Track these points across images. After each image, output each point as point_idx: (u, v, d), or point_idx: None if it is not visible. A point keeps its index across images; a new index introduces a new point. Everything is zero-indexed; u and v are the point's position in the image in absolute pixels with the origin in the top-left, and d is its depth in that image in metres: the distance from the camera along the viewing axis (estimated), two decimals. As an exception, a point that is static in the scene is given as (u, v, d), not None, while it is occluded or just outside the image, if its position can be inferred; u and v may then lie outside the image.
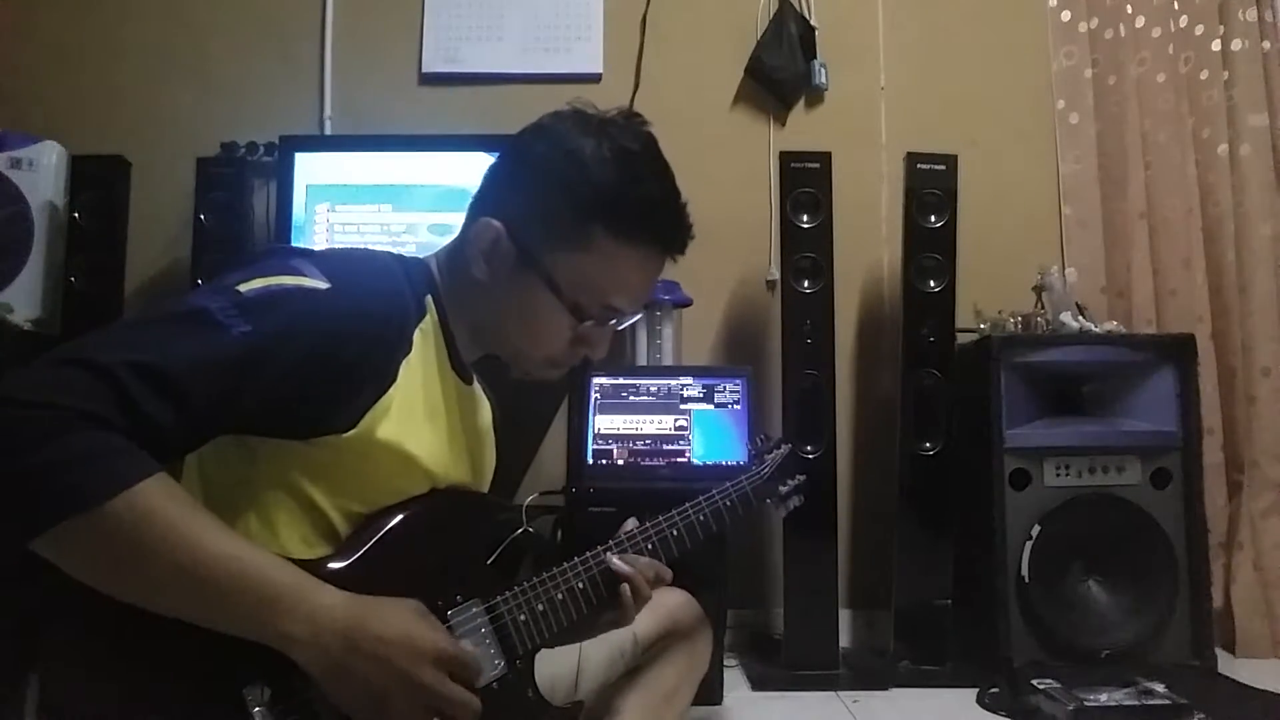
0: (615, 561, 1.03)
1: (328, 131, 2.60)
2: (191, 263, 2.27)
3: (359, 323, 0.86)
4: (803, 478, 1.31)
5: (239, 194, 2.32)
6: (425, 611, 0.85)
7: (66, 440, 0.69)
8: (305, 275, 0.85)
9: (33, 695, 0.77)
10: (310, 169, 2.32)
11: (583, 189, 0.94)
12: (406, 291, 0.94)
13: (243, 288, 0.82)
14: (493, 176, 1.02)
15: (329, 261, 0.89)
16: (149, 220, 2.43)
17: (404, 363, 0.91)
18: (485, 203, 1.00)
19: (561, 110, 1.00)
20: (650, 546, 1.08)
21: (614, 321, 1.00)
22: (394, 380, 0.89)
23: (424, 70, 2.64)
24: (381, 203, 2.30)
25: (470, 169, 2.24)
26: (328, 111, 2.62)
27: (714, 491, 1.18)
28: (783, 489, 1.28)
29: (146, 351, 0.74)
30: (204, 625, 0.75)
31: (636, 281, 0.99)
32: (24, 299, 2.29)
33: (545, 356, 1.01)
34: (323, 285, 0.85)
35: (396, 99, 2.62)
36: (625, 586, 1.02)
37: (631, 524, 1.11)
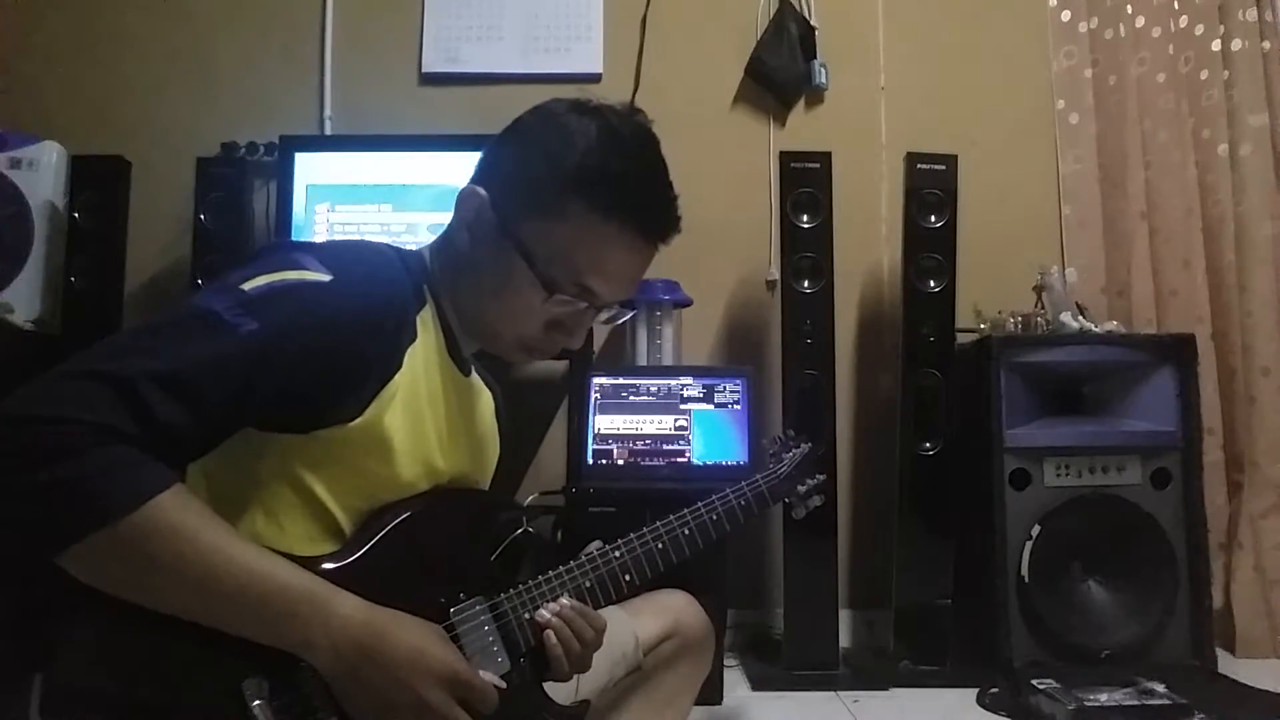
0: (541, 613, 0.96)
1: (328, 131, 2.60)
2: (191, 263, 2.27)
3: (364, 313, 0.87)
4: (823, 477, 1.28)
5: (239, 194, 2.32)
6: (444, 635, 0.86)
7: (84, 456, 0.70)
8: (307, 268, 0.86)
9: (37, 693, 0.77)
10: (310, 169, 2.32)
11: (566, 159, 0.92)
12: (406, 280, 0.94)
13: (247, 285, 0.83)
14: (486, 151, 1.01)
15: (329, 253, 0.89)
16: (149, 220, 2.43)
17: (409, 350, 0.91)
18: (475, 175, 1.00)
19: (563, 96, 1.00)
20: (660, 546, 1.06)
21: (590, 306, 0.96)
22: (399, 367, 0.89)
23: (424, 70, 2.64)
24: (381, 203, 2.31)
25: (470, 169, 2.26)
26: (328, 111, 2.62)
27: (728, 490, 1.15)
28: (801, 488, 1.25)
29: (158, 358, 0.75)
30: (224, 630, 0.76)
31: (614, 262, 0.95)
32: (24, 299, 2.29)
33: (518, 337, 0.98)
34: (325, 277, 0.85)
35: (396, 99, 2.62)
36: (549, 634, 0.95)
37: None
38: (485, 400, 1.11)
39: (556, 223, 0.93)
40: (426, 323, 0.95)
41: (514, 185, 0.95)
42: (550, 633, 0.95)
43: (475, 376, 1.08)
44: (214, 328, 0.78)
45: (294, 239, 2.22)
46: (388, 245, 0.99)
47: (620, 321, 1.03)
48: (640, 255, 0.97)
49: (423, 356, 0.93)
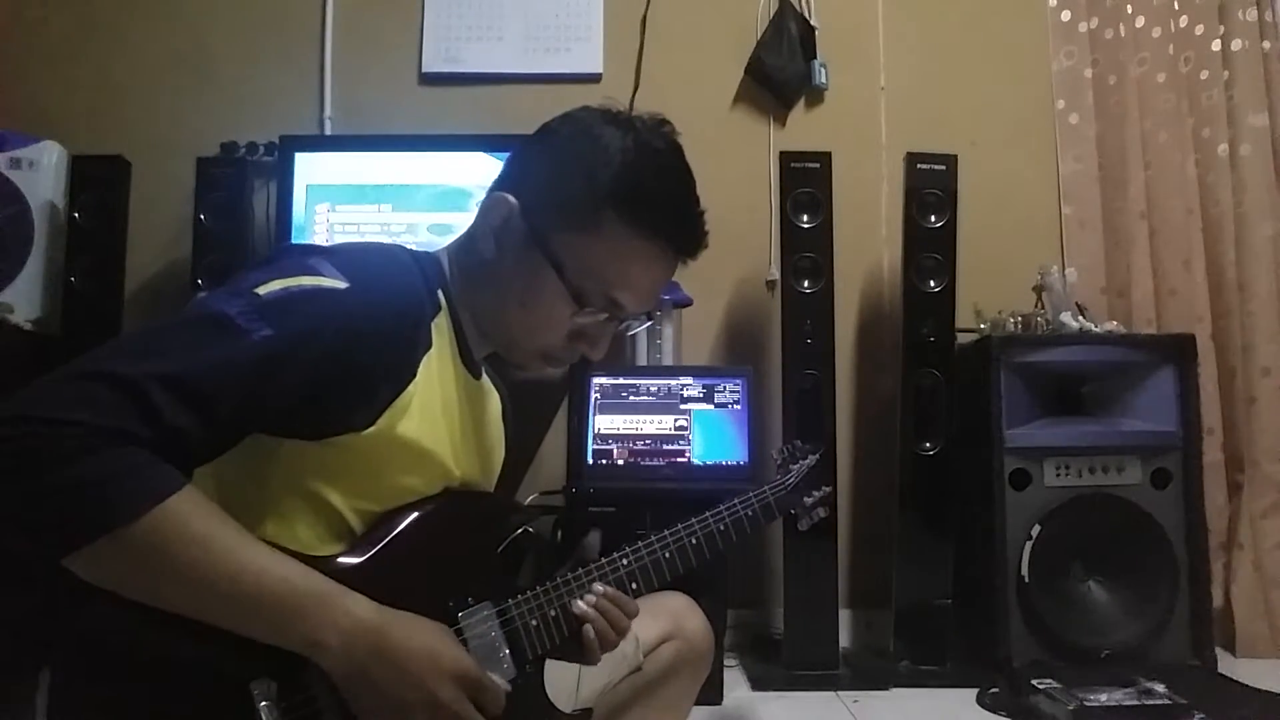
0: (578, 604, 0.97)
1: (328, 131, 2.60)
2: (191, 263, 2.27)
3: (379, 321, 0.86)
4: (829, 489, 1.28)
5: (239, 194, 2.32)
6: (454, 635, 0.86)
7: (93, 458, 0.70)
8: (323, 275, 0.85)
9: (44, 690, 0.77)
10: (310, 169, 2.32)
11: (601, 173, 0.93)
12: (422, 286, 0.94)
13: (261, 290, 0.82)
14: (514, 156, 1.01)
15: (345, 259, 0.88)
16: (149, 220, 2.43)
17: (424, 359, 0.91)
18: (503, 180, 0.99)
19: (592, 104, 1.00)
20: (667, 555, 1.06)
21: (614, 319, 0.98)
22: (413, 376, 0.89)
23: (424, 70, 2.63)
24: (381, 203, 2.30)
25: (470, 169, 2.25)
26: (328, 111, 2.62)
27: (735, 501, 1.14)
28: (808, 500, 1.24)
29: (169, 361, 0.75)
30: (235, 631, 0.76)
31: (643, 277, 0.96)
32: (24, 299, 2.29)
33: (540, 348, 0.99)
34: (341, 284, 0.85)
35: (396, 99, 2.62)
36: (588, 628, 0.96)
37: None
38: (494, 403, 1.11)
39: (590, 237, 0.93)
40: (441, 328, 0.95)
41: (546, 196, 0.95)
42: (588, 626, 0.96)
43: (485, 379, 1.08)
44: (226, 332, 0.78)
45: (308, 243, 2.22)
46: (403, 249, 0.98)
47: (637, 330, 1.04)
48: (668, 269, 0.99)
49: (437, 363, 0.93)
